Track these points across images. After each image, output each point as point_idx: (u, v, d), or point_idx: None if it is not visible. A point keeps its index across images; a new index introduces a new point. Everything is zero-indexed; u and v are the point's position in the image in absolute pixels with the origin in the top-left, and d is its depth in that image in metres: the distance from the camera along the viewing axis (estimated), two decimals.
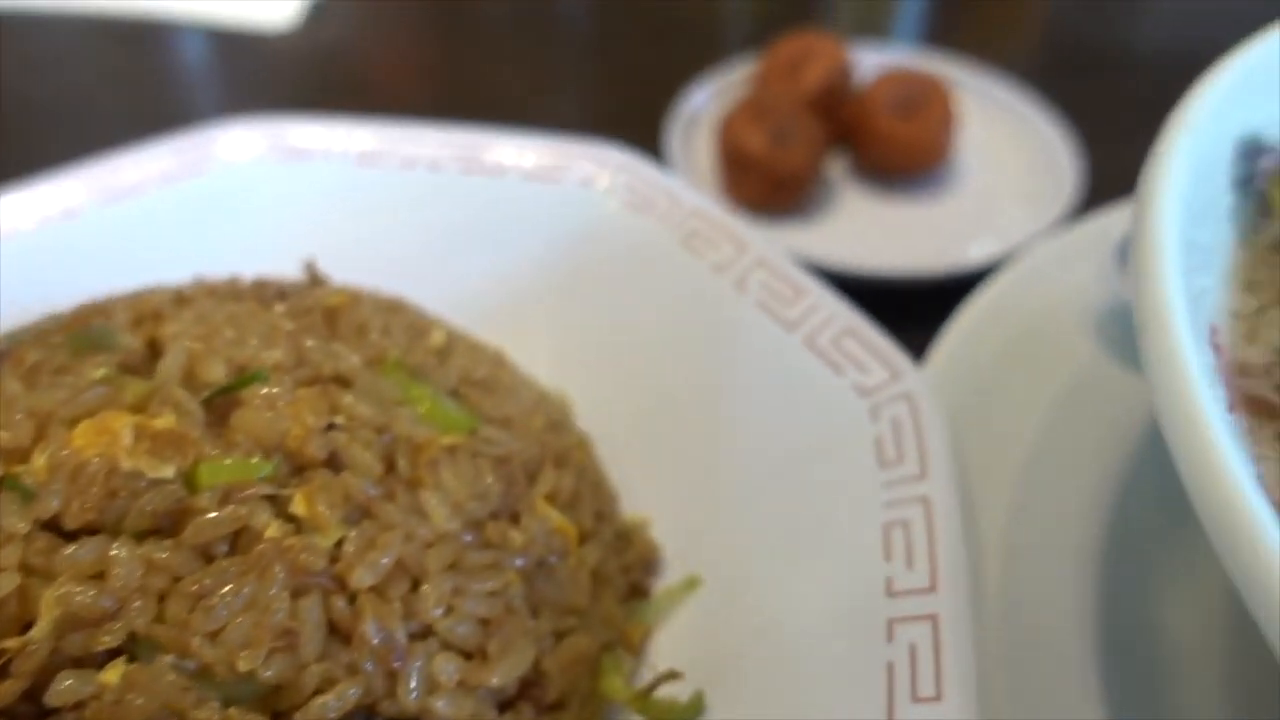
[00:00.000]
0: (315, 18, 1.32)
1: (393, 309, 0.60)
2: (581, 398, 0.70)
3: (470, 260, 0.76)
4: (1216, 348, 0.46)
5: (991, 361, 0.67)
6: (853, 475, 0.57)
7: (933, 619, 0.49)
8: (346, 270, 0.72)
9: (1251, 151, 0.56)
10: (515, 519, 0.51)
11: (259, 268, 0.69)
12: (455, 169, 0.77)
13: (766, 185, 0.92)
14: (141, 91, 1.22)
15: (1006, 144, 1.02)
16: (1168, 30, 1.39)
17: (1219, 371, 0.45)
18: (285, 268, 0.68)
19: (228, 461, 0.45)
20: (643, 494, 0.65)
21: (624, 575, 0.57)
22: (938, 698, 0.46)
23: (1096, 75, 1.26)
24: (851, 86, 1.01)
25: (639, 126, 1.01)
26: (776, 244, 0.68)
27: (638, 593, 0.57)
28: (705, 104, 1.03)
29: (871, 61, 1.06)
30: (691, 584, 0.58)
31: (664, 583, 0.59)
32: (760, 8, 1.48)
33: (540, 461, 0.54)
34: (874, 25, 1.42)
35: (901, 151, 0.95)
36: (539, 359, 0.71)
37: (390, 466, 0.48)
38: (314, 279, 0.64)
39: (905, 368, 0.60)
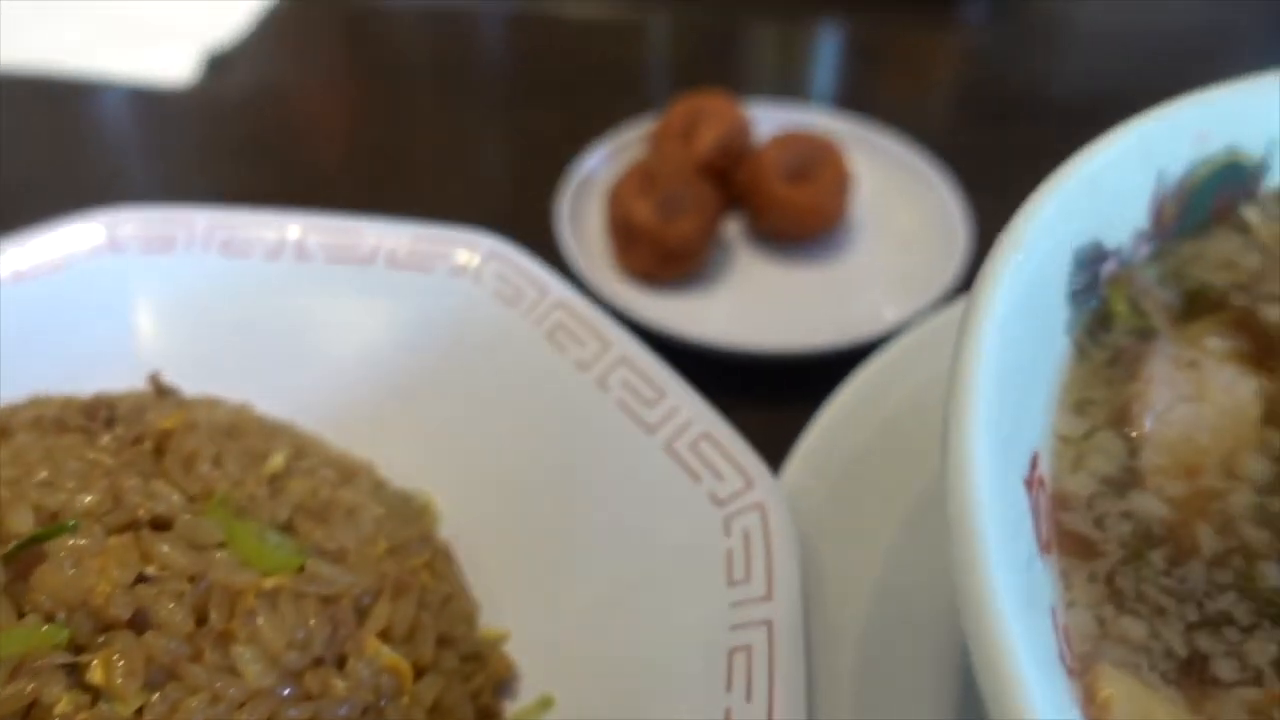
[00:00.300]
0: (215, 72, 1.29)
1: (231, 431, 0.58)
2: (447, 500, 0.69)
3: (339, 353, 0.74)
4: (1037, 481, 0.45)
5: (856, 456, 0.66)
6: (703, 594, 0.56)
7: None
8: (203, 370, 0.70)
9: (1092, 259, 0.55)
10: (341, 663, 0.49)
11: (109, 373, 0.68)
12: (322, 257, 0.75)
13: (655, 256, 0.90)
14: (36, 151, 1.19)
15: (907, 206, 1.01)
16: (1077, 85, 1.40)
17: (1036, 510, 0.44)
18: (135, 376, 0.66)
19: (19, 630, 0.43)
20: (505, 604, 0.64)
21: (472, 701, 0.55)
22: None
23: (1009, 129, 1.27)
24: (749, 147, 1.00)
25: (546, 189, 1.00)
26: (639, 342, 0.67)
27: (488, 717, 0.56)
28: (599, 167, 1.02)
29: (771, 121, 1.05)
30: (544, 704, 0.57)
31: (518, 704, 0.58)
32: (677, 65, 1.47)
33: (376, 593, 0.53)
34: (790, 83, 1.42)
35: (794, 217, 0.94)
36: (405, 458, 0.70)
37: (202, 619, 0.47)
38: (159, 390, 0.62)
39: (759, 476, 0.59)
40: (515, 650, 0.61)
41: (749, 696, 0.50)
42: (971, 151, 1.19)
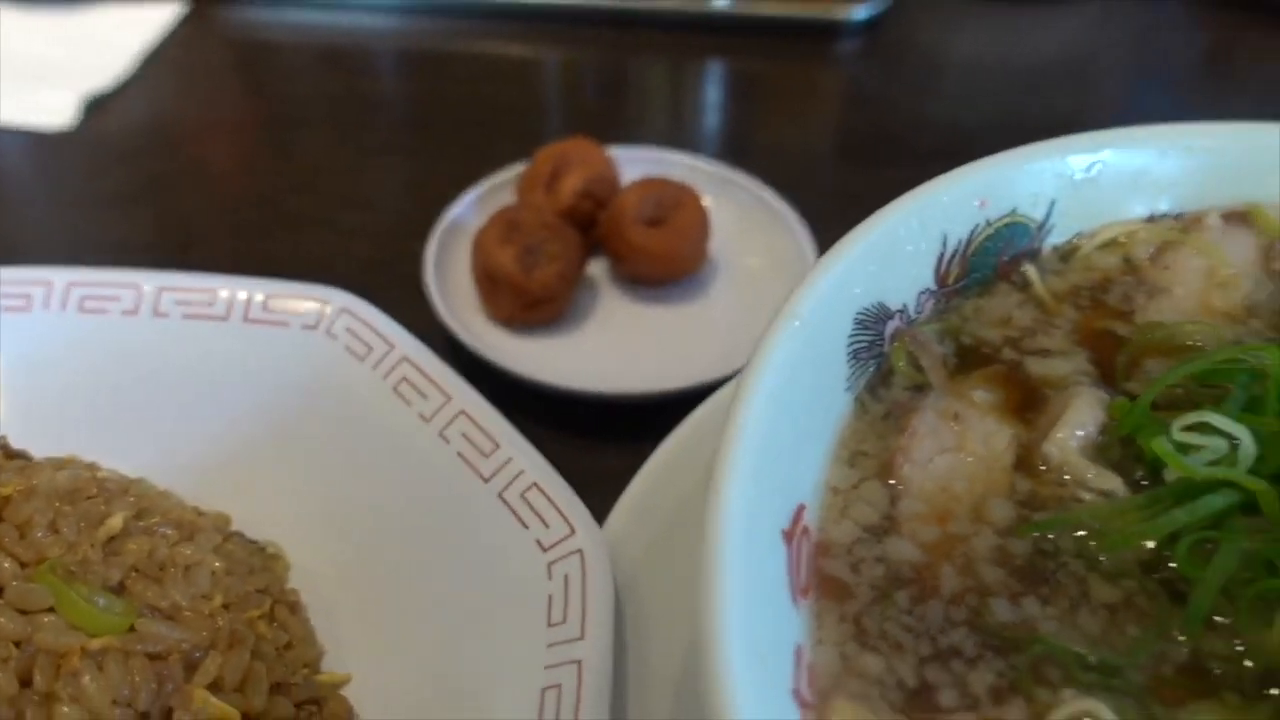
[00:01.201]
0: (94, 116, 1.30)
1: (73, 494, 0.61)
2: (299, 549, 0.72)
3: (195, 409, 0.77)
4: (800, 531, 0.50)
5: (680, 501, 0.70)
6: (525, 634, 0.60)
7: None
8: (58, 429, 0.72)
9: (875, 319, 0.60)
10: (167, 716, 0.52)
11: None
12: (179, 314, 0.78)
13: (518, 302, 0.94)
14: None
15: (765, 247, 1.06)
16: (947, 119, 1.46)
17: (796, 558, 0.49)
18: None
19: None
20: (350, 647, 0.67)
21: None
22: None
23: (877, 167, 1.33)
24: (614, 193, 1.05)
25: (424, 233, 1.03)
26: (477, 395, 0.71)
27: None
28: (467, 213, 1.06)
29: (637, 165, 1.10)
30: None
31: None
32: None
33: (208, 647, 0.56)
34: (673, 124, 1.47)
35: (651, 262, 0.99)
36: (260, 510, 0.73)
37: (27, 681, 0.49)
38: (6, 454, 0.64)
39: (581, 523, 0.63)
40: (357, 691, 0.64)
41: None
42: (837, 190, 1.26)
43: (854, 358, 0.59)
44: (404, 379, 0.73)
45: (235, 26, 1.53)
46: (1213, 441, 0.51)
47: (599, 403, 0.90)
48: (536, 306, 0.95)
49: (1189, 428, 0.51)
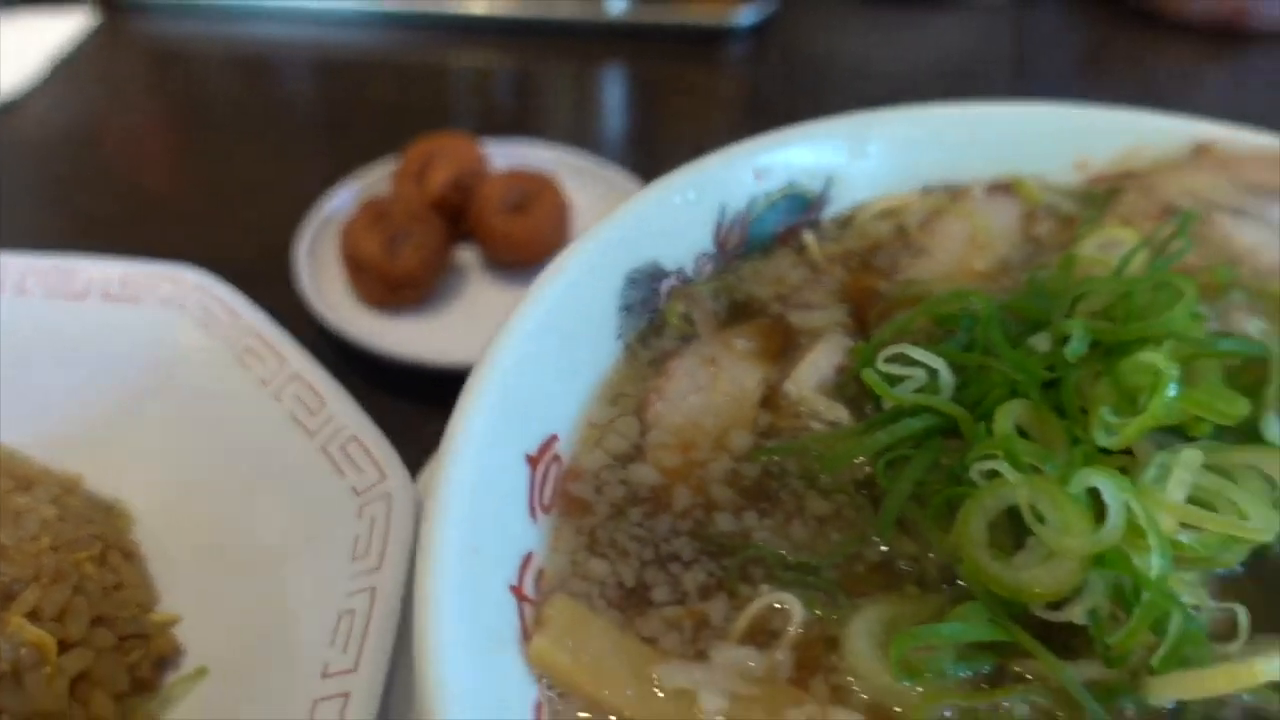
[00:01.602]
0: (4, 118, 1.35)
1: None
2: (146, 507, 0.77)
3: (56, 380, 0.82)
4: (549, 457, 0.56)
5: None
6: (334, 569, 0.66)
7: (345, 697, 0.57)
8: None
9: (650, 278, 0.67)
10: None
11: None
12: (40, 293, 0.83)
13: (383, 286, 1.00)
14: None
15: None
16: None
17: (541, 480, 0.55)
18: None
19: None
20: (186, 592, 0.72)
21: (127, 673, 0.64)
22: None
23: None
24: (483, 183, 1.11)
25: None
26: (311, 360, 0.77)
27: (144, 687, 0.65)
28: (345, 206, 1.11)
29: (506, 157, 1.16)
30: (198, 674, 0.66)
31: (177, 675, 0.67)
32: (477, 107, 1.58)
33: (29, 580, 0.61)
34: (574, 122, 1.54)
35: (513, 247, 1.05)
36: (112, 471, 0.78)
37: None
38: None
39: (394, 471, 0.69)
40: (186, 630, 0.70)
41: (345, 649, 0.60)
42: None
43: (626, 311, 0.65)
44: (247, 348, 0.78)
45: (144, 36, 1.59)
46: (918, 373, 0.58)
47: (455, 375, 0.95)
48: (401, 290, 1.01)
49: (891, 359, 0.58)
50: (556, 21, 1.64)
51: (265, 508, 0.72)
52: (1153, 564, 0.47)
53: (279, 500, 0.71)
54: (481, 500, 0.50)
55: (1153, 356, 0.54)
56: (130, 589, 0.69)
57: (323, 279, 1.03)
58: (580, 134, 1.46)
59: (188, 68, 1.56)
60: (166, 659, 0.67)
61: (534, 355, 0.58)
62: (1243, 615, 0.48)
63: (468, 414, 0.52)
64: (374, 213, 1.03)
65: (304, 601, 0.65)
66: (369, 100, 1.53)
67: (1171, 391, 0.52)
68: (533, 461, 0.55)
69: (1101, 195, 0.77)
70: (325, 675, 0.59)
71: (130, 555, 0.71)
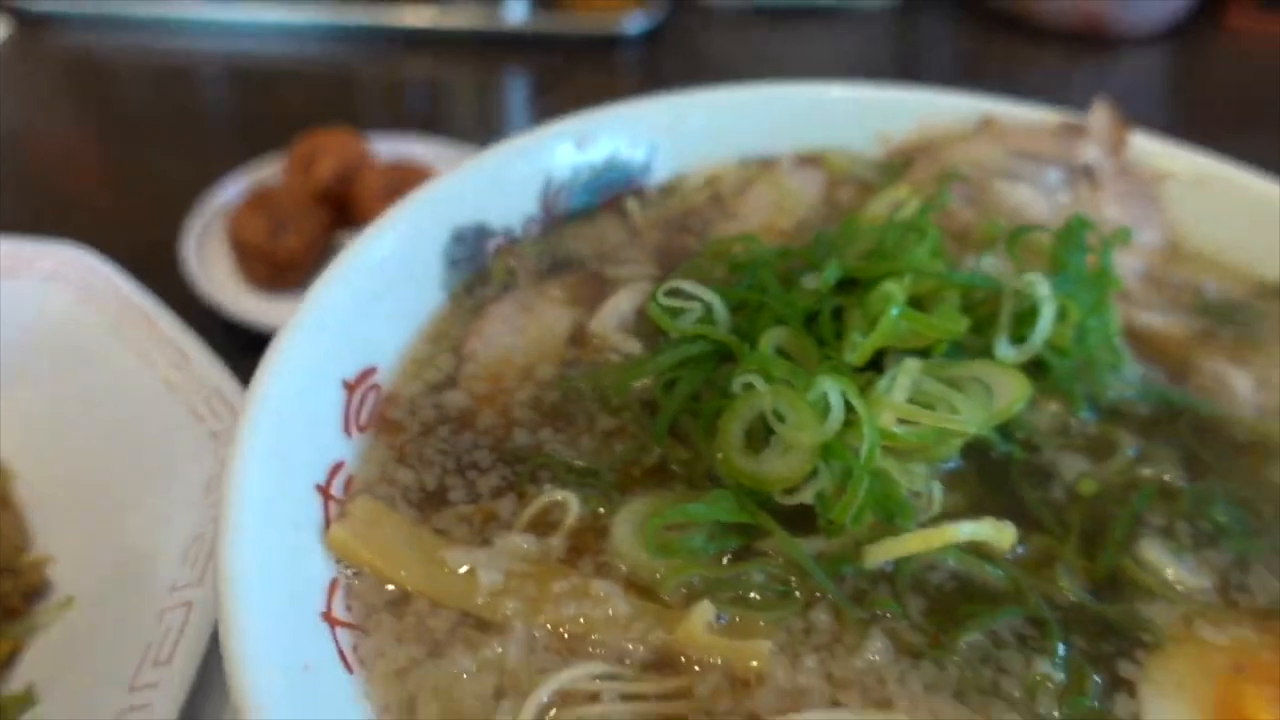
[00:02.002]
0: None
1: None
2: (26, 464, 0.83)
3: None
4: (368, 386, 0.63)
5: None
6: (188, 503, 0.72)
7: (188, 606, 0.64)
8: None
9: (476, 236, 0.75)
10: None
11: None
12: None
13: (267, 269, 1.07)
14: None
15: None
16: None
17: (358, 403, 0.62)
18: None
19: None
20: (62, 537, 0.78)
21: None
22: (170, 660, 0.61)
23: None
24: (366, 173, 1.18)
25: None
26: (180, 324, 0.84)
27: (12, 615, 0.71)
28: (235, 196, 1.18)
29: (392, 151, 1.23)
30: (64, 605, 0.72)
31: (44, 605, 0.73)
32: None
33: None
34: (478, 119, 1.62)
35: None
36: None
37: None
38: None
39: None
40: (61, 569, 0.76)
41: (193, 567, 0.67)
42: None
43: (452, 264, 0.73)
44: (123, 316, 0.85)
45: (58, 47, 1.65)
46: (696, 306, 0.66)
47: None
48: (285, 273, 1.07)
49: (672, 294, 0.66)
50: (460, 31, 1.72)
51: (132, 456, 0.78)
52: (863, 450, 0.55)
53: (144, 447, 0.78)
54: (292, 413, 0.57)
55: (890, 285, 0.63)
56: (5, 535, 0.75)
57: (211, 264, 1.10)
58: (481, 134, 1.54)
59: (100, 77, 1.62)
60: (36, 591, 0.73)
61: (355, 296, 0.65)
62: (938, 491, 0.57)
63: (284, 340, 0.59)
64: (260, 201, 1.10)
65: (162, 533, 0.72)
66: (277, 108, 1.60)
67: (894, 312, 0.61)
68: (349, 387, 0.62)
69: (898, 165, 0.86)
70: (173, 589, 0.66)
71: (5, 504, 0.77)
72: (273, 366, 0.58)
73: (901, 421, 0.58)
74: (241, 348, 1.03)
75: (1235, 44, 1.82)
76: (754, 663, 0.51)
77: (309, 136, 1.19)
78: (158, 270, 0.98)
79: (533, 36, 1.71)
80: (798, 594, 0.54)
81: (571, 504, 0.58)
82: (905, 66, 1.79)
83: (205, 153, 1.45)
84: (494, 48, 1.72)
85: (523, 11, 1.69)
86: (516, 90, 1.72)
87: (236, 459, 0.52)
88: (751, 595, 0.54)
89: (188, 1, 1.69)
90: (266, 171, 1.22)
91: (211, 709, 0.64)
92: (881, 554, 0.54)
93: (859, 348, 0.61)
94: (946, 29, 1.90)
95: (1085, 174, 0.82)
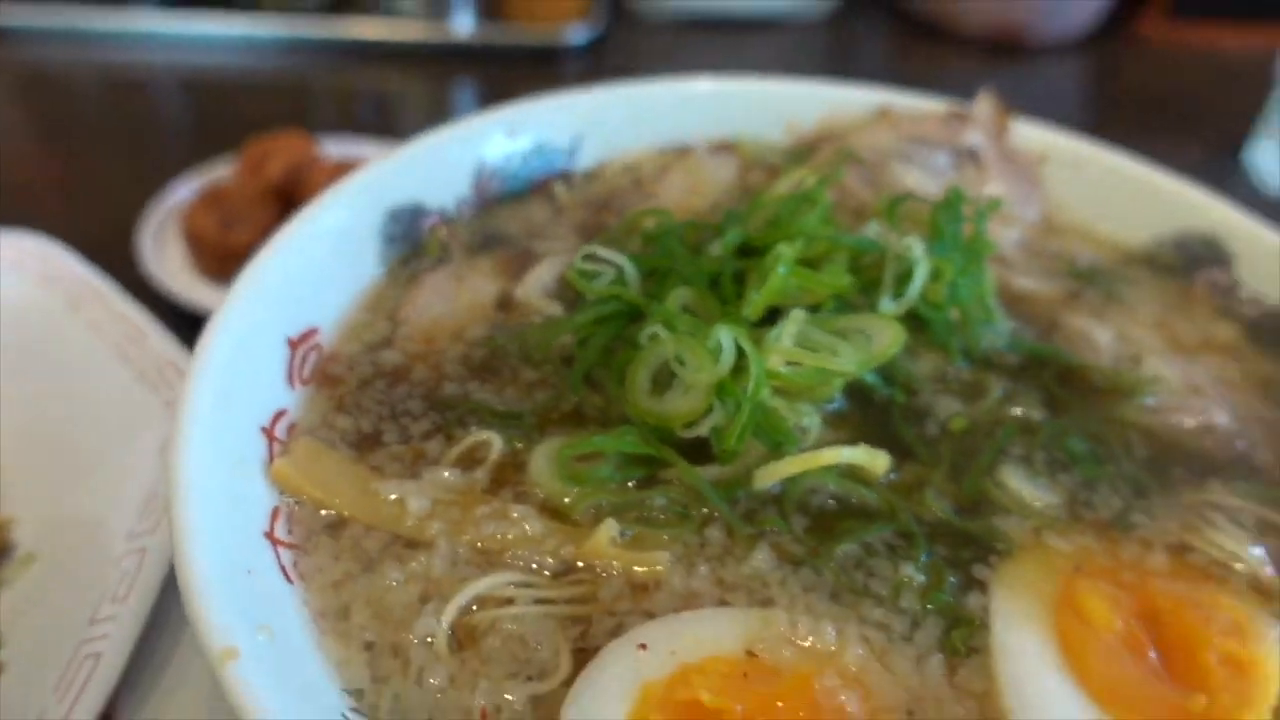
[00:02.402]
0: None
1: None
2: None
3: None
4: (310, 345, 0.70)
5: None
6: (143, 464, 0.78)
7: (143, 552, 0.69)
8: None
9: (412, 215, 0.81)
10: None
11: None
12: None
13: (219, 260, 1.12)
14: None
15: None
16: None
17: (301, 359, 0.68)
18: None
19: None
20: (26, 501, 0.83)
21: None
22: (126, 598, 0.67)
23: None
24: (316, 171, 1.24)
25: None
26: (134, 304, 0.89)
27: None
28: (190, 194, 1.23)
29: (343, 154, 1.29)
30: (26, 561, 0.77)
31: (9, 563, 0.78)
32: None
33: None
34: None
35: None
36: None
37: None
38: None
39: None
40: (25, 530, 0.80)
41: (148, 519, 0.72)
42: None
43: (389, 240, 0.79)
44: (80, 297, 0.90)
45: (14, 61, 1.69)
46: (609, 270, 0.73)
47: None
48: (235, 264, 1.12)
49: (588, 259, 0.73)
50: (410, 44, 1.78)
51: (90, 424, 0.83)
52: (750, 386, 0.62)
53: (102, 416, 0.83)
54: (238, 363, 0.63)
55: (781, 247, 0.70)
56: None
57: (166, 257, 1.15)
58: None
59: (57, 89, 1.67)
60: (1, 551, 0.78)
61: (297, 264, 0.71)
62: (816, 423, 0.64)
63: (231, 300, 0.66)
64: (213, 198, 1.15)
65: (119, 493, 0.77)
66: (232, 116, 1.65)
67: (782, 270, 0.68)
68: (293, 344, 0.68)
69: (804, 150, 0.94)
70: (130, 538, 0.71)
71: None
72: (221, 321, 0.64)
73: (789, 364, 0.65)
74: (193, 330, 1.08)
75: (1145, 51, 1.93)
76: (658, 566, 0.57)
77: (261, 138, 1.25)
78: (115, 263, 1.03)
79: (480, 48, 1.78)
80: (695, 515, 0.61)
81: (495, 442, 0.64)
82: (835, 73, 1.87)
83: (161, 158, 1.50)
84: (443, 59, 1.79)
85: (470, 24, 1.76)
86: (464, 99, 1.78)
87: (186, 399, 0.58)
88: (653, 516, 0.61)
89: (143, 15, 1.75)
90: (220, 172, 1.28)
91: (165, 643, 0.69)
92: (768, 476, 0.61)
93: (754, 303, 0.68)
94: (875, 38, 2.00)
95: (970, 156, 0.90)
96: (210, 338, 0.62)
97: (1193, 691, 0.53)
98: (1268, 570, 0.61)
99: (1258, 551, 0.61)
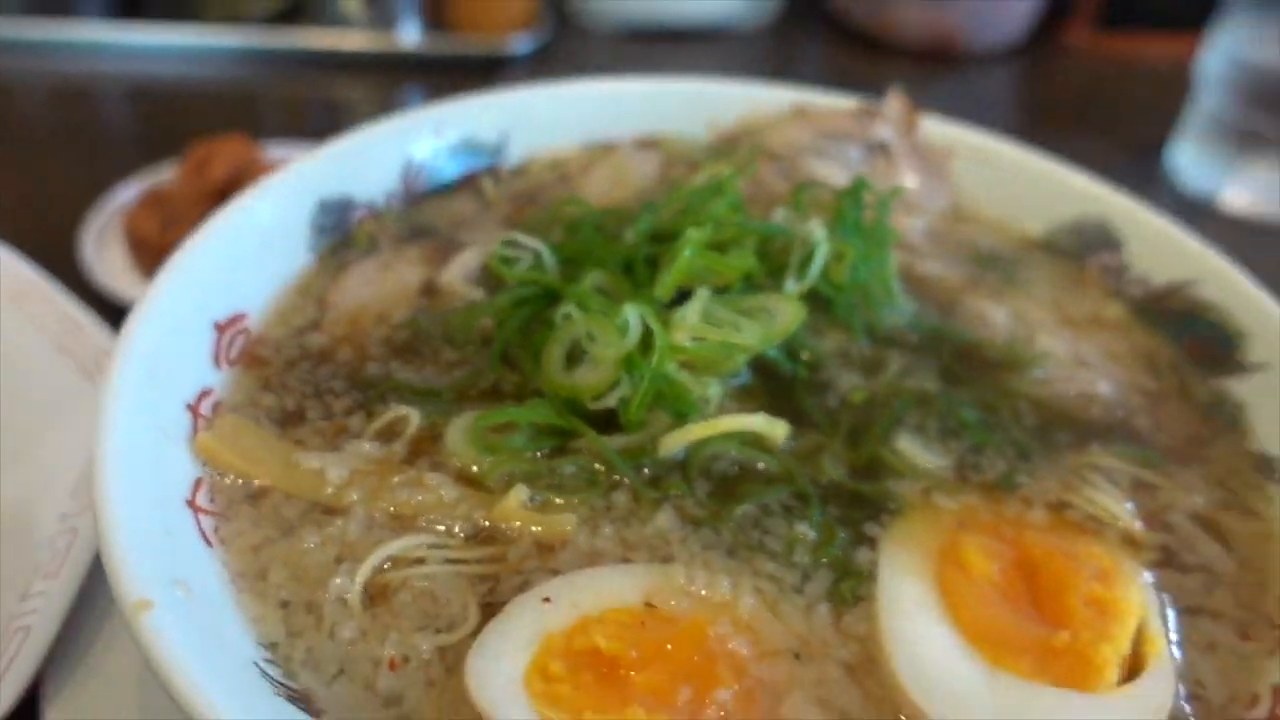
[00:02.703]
0: None
1: None
2: None
3: None
4: (238, 329, 0.72)
5: None
6: (77, 451, 0.80)
7: (74, 532, 0.72)
8: None
9: (341, 207, 0.84)
10: None
11: None
12: None
13: (159, 261, 1.14)
14: None
15: None
16: None
17: (227, 343, 0.71)
18: None
19: None
20: None
21: None
22: (57, 574, 0.69)
23: None
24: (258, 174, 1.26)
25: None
26: (74, 300, 0.91)
27: None
28: (135, 197, 1.25)
29: (281, 156, 1.32)
30: None
31: None
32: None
33: None
34: None
35: None
36: None
37: None
38: None
39: None
40: None
41: (80, 499, 0.74)
42: None
43: (319, 230, 0.82)
44: (21, 293, 0.92)
45: None
46: (528, 256, 0.76)
47: None
48: None
49: (509, 245, 0.76)
50: (357, 53, 1.81)
51: (25, 413, 0.85)
52: (654, 358, 0.65)
53: (37, 405, 0.85)
54: (164, 342, 0.65)
55: (690, 231, 0.74)
56: None
57: (108, 259, 1.17)
58: None
59: (3, 96, 1.68)
60: None
61: (226, 252, 0.74)
62: (718, 393, 0.68)
63: (158, 283, 0.68)
64: (155, 200, 1.17)
65: (53, 478, 0.79)
66: (179, 124, 1.67)
67: (687, 252, 0.72)
68: (220, 328, 0.71)
69: (725, 147, 0.98)
70: (63, 518, 0.73)
71: None
72: (148, 303, 0.66)
73: (695, 339, 0.68)
74: None
75: (1074, 59, 2.00)
76: (566, 528, 0.61)
77: (205, 142, 1.27)
78: (58, 263, 1.05)
79: (425, 57, 1.81)
80: (603, 481, 0.64)
81: (413, 417, 0.67)
82: (775, 81, 1.93)
83: (108, 164, 1.51)
84: (389, 68, 1.82)
85: (416, 34, 1.79)
86: (411, 108, 1.81)
87: (112, 373, 0.61)
88: (563, 483, 0.64)
89: (90, 25, 1.76)
90: (164, 176, 1.30)
91: (94, 619, 0.71)
92: (672, 443, 0.65)
93: (663, 284, 0.72)
94: (814, 47, 2.05)
95: (881, 150, 0.94)
96: (137, 317, 0.65)
97: (1059, 629, 0.57)
98: (1138, 524, 0.65)
99: (1130, 507, 0.66)
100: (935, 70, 1.97)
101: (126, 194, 1.26)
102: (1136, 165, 1.73)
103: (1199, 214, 1.64)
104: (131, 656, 0.72)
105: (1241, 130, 1.55)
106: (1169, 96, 1.72)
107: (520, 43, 1.79)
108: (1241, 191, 1.58)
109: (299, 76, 1.80)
